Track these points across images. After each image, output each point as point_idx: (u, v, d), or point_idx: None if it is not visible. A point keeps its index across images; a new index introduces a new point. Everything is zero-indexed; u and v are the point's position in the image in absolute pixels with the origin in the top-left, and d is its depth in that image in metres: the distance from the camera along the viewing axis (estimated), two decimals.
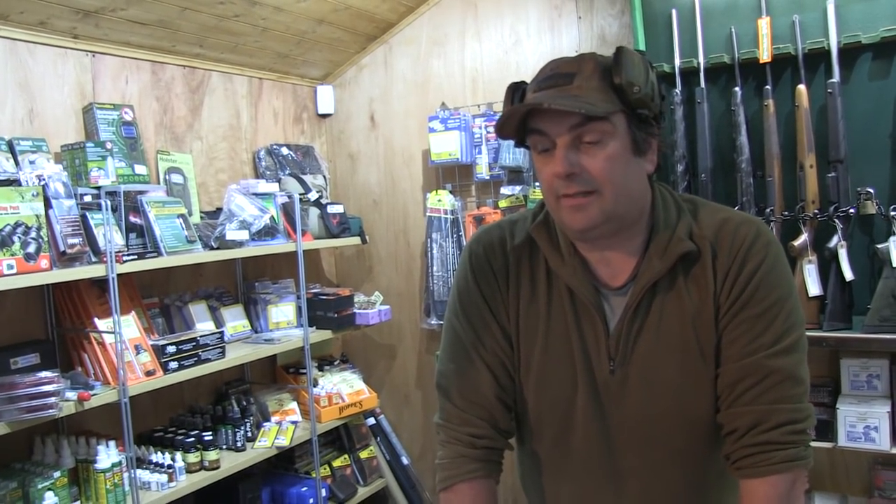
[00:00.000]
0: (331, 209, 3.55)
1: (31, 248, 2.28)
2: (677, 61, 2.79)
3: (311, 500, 3.33)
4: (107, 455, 2.54)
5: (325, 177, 3.86)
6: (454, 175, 3.65)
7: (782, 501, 1.17)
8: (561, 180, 1.18)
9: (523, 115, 1.21)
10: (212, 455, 2.91)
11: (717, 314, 1.23)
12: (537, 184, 3.16)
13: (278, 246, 3.24)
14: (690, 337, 1.24)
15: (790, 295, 1.23)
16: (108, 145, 2.69)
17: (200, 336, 2.85)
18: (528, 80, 1.27)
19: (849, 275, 2.51)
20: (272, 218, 3.22)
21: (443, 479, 1.35)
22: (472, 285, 1.37)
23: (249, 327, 3.37)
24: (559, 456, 1.36)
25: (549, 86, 1.19)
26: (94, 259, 2.51)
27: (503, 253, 1.36)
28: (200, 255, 2.90)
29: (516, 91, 1.29)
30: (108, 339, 2.57)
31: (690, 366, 1.24)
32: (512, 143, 1.29)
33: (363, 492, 3.67)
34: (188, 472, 2.84)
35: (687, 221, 1.26)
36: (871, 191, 2.50)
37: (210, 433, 2.95)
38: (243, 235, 3.04)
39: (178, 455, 2.82)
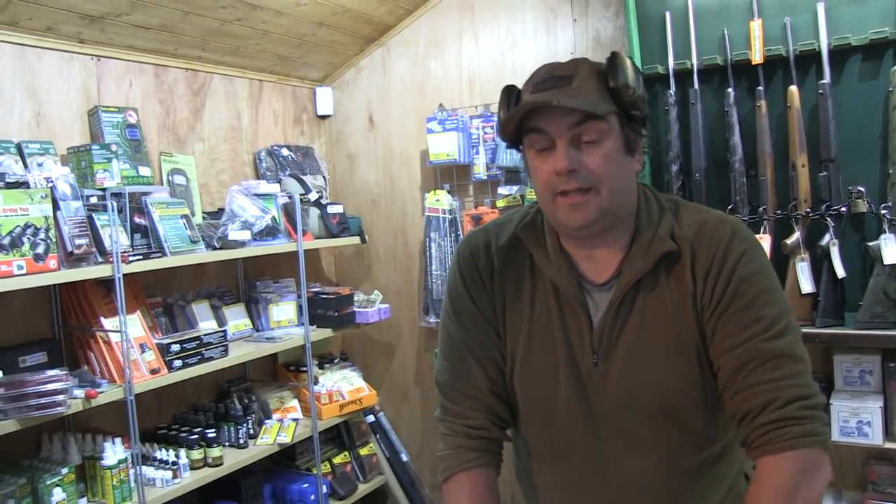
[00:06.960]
0: (331, 209, 3.58)
1: (40, 249, 2.32)
2: (671, 63, 2.83)
3: (312, 497, 3.37)
4: (113, 452, 2.58)
5: (324, 177, 3.89)
6: (452, 175, 3.69)
7: (801, 477, 1.15)
8: (561, 177, 1.23)
9: (521, 115, 1.25)
10: (215, 452, 2.94)
11: (698, 314, 1.27)
12: None
13: (279, 246, 3.27)
14: (671, 333, 1.28)
15: (774, 286, 1.26)
16: (113, 147, 2.73)
17: (204, 335, 2.88)
18: (523, 83, 1.32)
19: (841, 272, 2.55)
20: (273, 218, 3.25)
21: (443, 470, 1.40)
22: (461, 287, 1.43)
23: (251, 326, 3.40)
24: (545, 443, 1.41)
25: (549, 87, 1.24)
26: (100, 259, 2.54)
27: (488, 254, 1.42)
28: (203, 255, 2.93)
29: (511, 93, 1.33)
30: (114, 337, 2.60)
31: (670, 360, 1.28)
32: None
33: (363, 488, 3.70)
34: (192, 468, 2.87)
35: (669, 221, 1.31)
36: (862, 189, 2.55)
37: (213, 430, 2.98)
38: (245, 235, 3.07)
39: (182, 452, 2.85)
